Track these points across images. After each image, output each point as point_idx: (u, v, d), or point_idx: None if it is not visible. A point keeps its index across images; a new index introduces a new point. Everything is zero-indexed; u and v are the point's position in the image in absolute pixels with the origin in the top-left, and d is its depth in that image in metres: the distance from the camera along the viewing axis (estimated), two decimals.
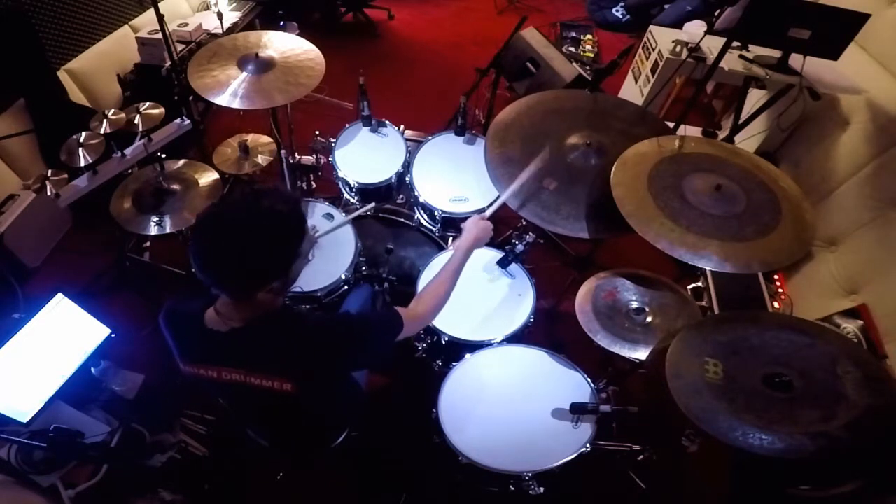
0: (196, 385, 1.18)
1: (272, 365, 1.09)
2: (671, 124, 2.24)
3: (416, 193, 2.05)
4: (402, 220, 2.18)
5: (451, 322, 1.72)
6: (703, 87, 2.38)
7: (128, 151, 2.01)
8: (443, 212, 2.00)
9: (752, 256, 1.33)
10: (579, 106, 1.87)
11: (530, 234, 1.81)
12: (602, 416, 1.47)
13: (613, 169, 1.52)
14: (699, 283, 2.12)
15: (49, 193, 1.86)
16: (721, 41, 2.02)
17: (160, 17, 2.17)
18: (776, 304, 2.10)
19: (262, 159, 2.34)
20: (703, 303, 2.06)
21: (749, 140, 2.62)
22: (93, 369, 1.77)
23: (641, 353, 1.59)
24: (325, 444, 1.54)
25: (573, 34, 4.35)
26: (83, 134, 1.90)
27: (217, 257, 0.98)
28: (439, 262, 1.87)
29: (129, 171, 2.07)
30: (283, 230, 1.01)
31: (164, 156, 2.07)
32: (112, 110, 1.99)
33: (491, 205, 1.63)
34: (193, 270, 0.99)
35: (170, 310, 1.17)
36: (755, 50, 2.20)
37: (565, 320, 2.26)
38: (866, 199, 2.12)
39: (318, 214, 1.99)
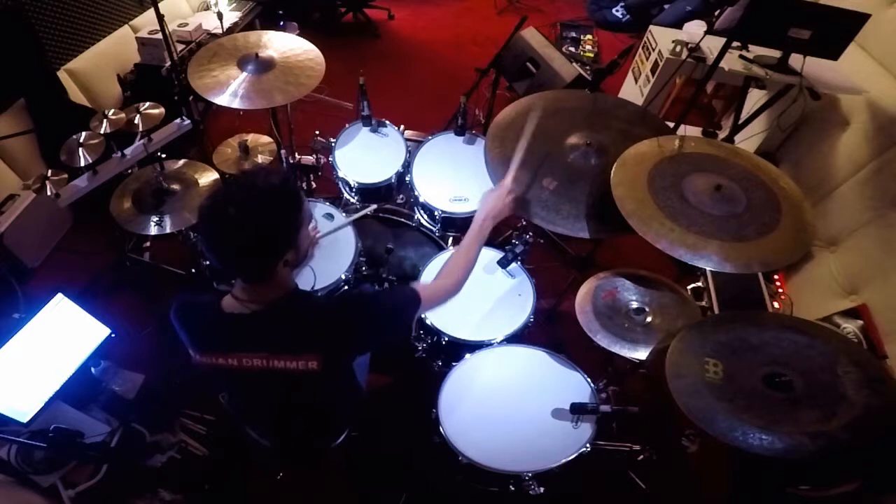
0: (198, 383, 1.19)
1: (299, 343, 1.11)
2: (671, 124, 2.24)
3: (416, 193, 2.05)
4: (402, 220, 2.18)
5: (452, 322, 1.72)
6: (703, 87, 2.38)
7: (128, 151, 2.01)
8: (443, 212, 2.00)
9: (752, 256, 1.32)
10: (579, 106, 1.87)
11: (530, 233, 1.81)
12: (602, 416, 1.47)
13: (613, 169, 1.52)
14: (699, 283, 2.12)
15: (49, 193, 1.86)
16: (721, 41, 2.02)
17: (160, 17, 2.17)
18: (776, 304, 2.10)
19: (262, 159, 2.34)
20: (703, 303, 2.06)
21: (749, 140, 2.62)
22: (93, 369, 1.77)
23: (641, 353, 1.59)
24: (325, 444, 1.54)
25: (573, 34, 4.35)
26: (83, 134, 1.90)
27: (232, 243, 1.01)
28: (439, 261, 1.88)
29: (129, 171, 2.07)
30: (282, 200, 1.04)
31: (164, 156, 2.07)
32: (112, 110, 1.99)
33: (508, 171, 1.55)
34: (208, 263, 1.00)
35: (183, 301, 1.18)
36: (755, 50, 2.20)
37: (565, 320, 2.26)
38: (866, 199, 2.12)
39: (319, 214, 1.99)
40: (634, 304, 1.72)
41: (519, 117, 1.73)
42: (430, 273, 1.85)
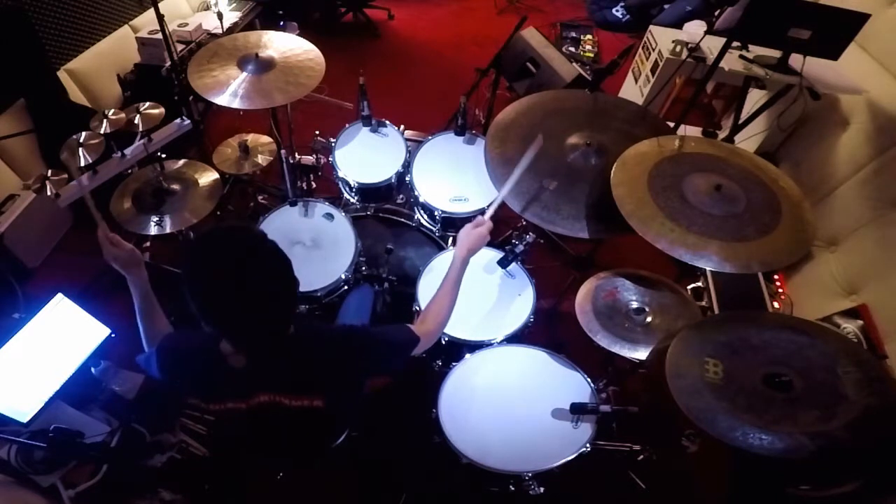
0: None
1: (303, 384, 1.11)
2: (671, 124, 2.24)
3: (416, 193, 2.05)
4: (402, 220, 2.18)
5: (452, 322, 1.69)
6: (703, 87, 2.38)
7: (128, 151, 2.01)
8: (443, 212, 2.00)
9: (752, 256, 1.33)
10: (579, 106, 1.87)
11: (530, 234, 1.80)
12: (602, 416, 1.47)
13: (613, 169, 1.52)
14: (699, 283, 2.12)
15: (49, 193, 1.86)
16: (721, 41, 2.02)
17: (160, 17, 2.17)
18: (776, 304, 2.10)
19: (262, 159, 2.34)
20: (703, 303, 2.06)
21: (749, 140, 2.62)
22: (93, 369, 1.77)
23: (641, 353, 1.59)
24: (325, 444, 1.54)
25: (573, 34, 4.35)
26: (83, 134, 1.90)
27: (265, 312, 0.97)
28: (439, 261, 1.87)
29: (129, 171, 2.07)
30: (280, 255, 0.99)
31: (164, 156, 2.07)
32: (112, 110, 1.99)
33: (490, 205, 1.62)
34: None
35: (171, 350, 1.15)
36: (755, 50, 2.20)
37: (565, 320, 2.26)
38: (866, 199, 2.12)
39: (318, 214, 1.99)
40: (634, 304, 1.72)
41: (517, 139, 1.74)
42: (430, 274, 1.85)
